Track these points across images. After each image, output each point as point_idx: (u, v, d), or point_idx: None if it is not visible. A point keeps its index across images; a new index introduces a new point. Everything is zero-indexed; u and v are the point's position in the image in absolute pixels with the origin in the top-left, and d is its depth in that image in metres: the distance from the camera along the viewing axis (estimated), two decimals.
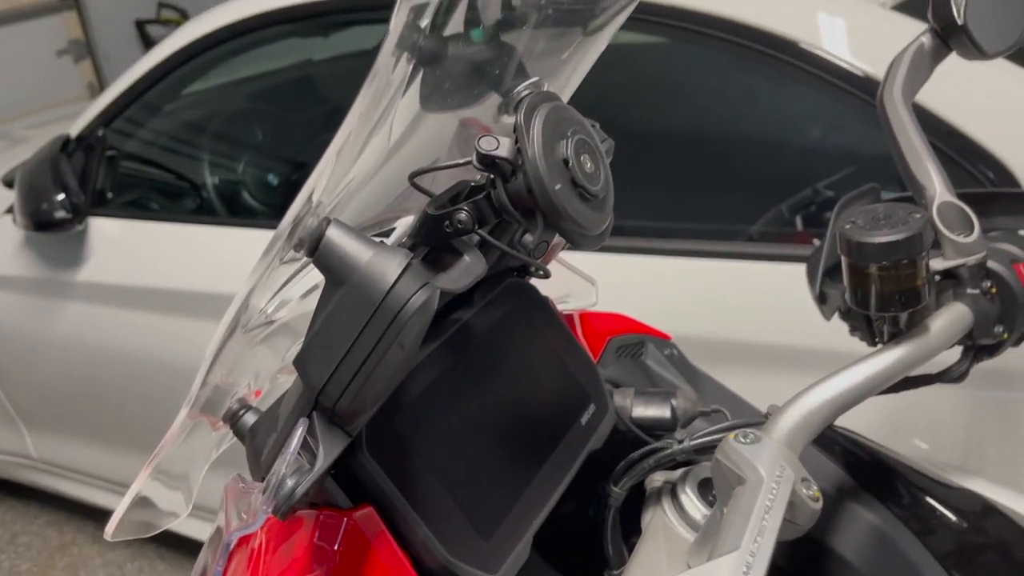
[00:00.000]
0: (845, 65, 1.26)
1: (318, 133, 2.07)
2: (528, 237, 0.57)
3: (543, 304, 0.72)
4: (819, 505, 0.57)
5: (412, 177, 0.58)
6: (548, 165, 0.53)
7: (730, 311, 1.31)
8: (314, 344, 0.51)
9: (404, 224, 0.65)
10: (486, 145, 0.53)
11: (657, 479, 0.71)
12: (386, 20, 0.58)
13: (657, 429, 0.73)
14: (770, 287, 1.29)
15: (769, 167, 1.54)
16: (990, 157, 1.18)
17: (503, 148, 0.54)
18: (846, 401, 0.62)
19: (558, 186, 0.54)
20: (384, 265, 0.49)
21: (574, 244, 0.58)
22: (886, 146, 0.83)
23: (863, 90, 1.25)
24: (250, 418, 0.62)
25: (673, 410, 0.72)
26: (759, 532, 0.51)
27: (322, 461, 0.51)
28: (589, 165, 0.56)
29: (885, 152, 0.88)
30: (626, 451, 0.70)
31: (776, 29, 1.30)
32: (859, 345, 0.72)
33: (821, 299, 0.82)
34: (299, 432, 0.52)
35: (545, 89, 0.61)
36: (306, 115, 2.22)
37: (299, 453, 0.52)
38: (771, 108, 1.54)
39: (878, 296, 0.64)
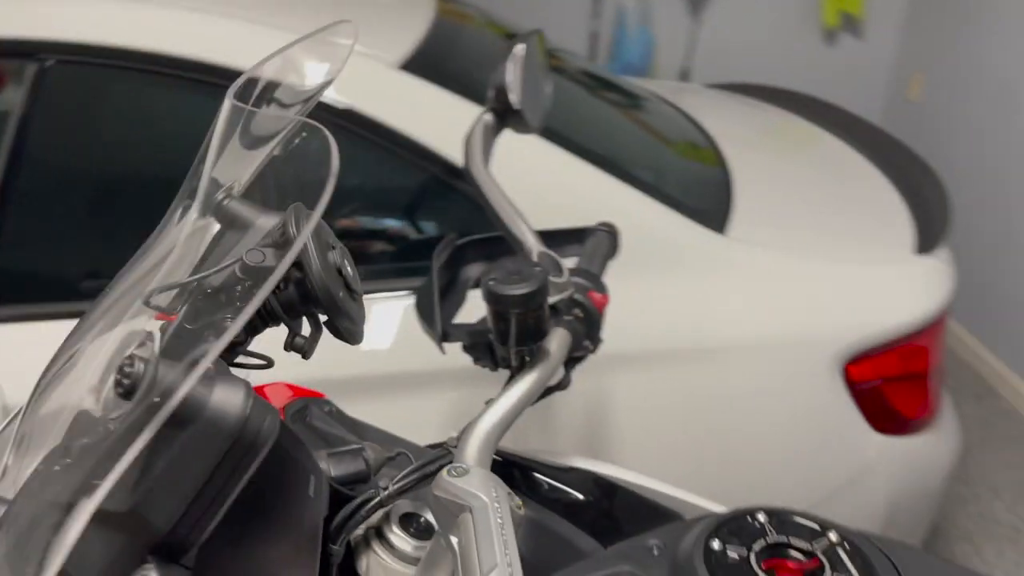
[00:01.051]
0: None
1: None
2: (299, 339, 0.60)
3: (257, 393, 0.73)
4: (523, 512, 0.70)
5: (147, 299, 0.56)
6: (328, 276, 0.58)
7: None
8: (156, 489, 0.48)
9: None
10: (253, 259, 0.55)
11: (359, 528, 0.78)
12: None
13: (354, 483, 0.79)
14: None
15: None
16: None
17: (269, 260, 0.56)
18: (510, 419, 0.77)
19: (340, 293, 0.58)
20: (231, 398, 0.49)
21: (349, 339, 0.63)
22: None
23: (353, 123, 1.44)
24: None
25: (366, 462, 0.79)
26: (504, 547, 0.62)
27: None
28: (350, 268, 0.62)
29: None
30: (333, 511, 0.76)
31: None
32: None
33: (444, 337, 0.96)
34: None
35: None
36: None
37: None
38: None
39: (517, 334, 0.80)
